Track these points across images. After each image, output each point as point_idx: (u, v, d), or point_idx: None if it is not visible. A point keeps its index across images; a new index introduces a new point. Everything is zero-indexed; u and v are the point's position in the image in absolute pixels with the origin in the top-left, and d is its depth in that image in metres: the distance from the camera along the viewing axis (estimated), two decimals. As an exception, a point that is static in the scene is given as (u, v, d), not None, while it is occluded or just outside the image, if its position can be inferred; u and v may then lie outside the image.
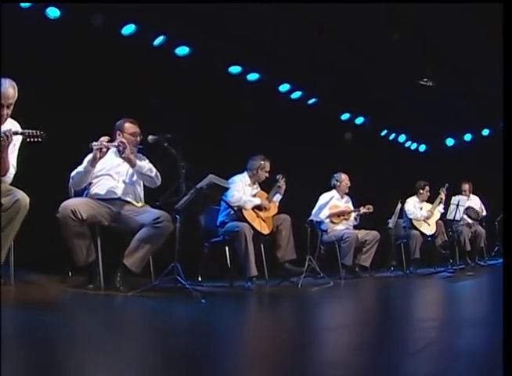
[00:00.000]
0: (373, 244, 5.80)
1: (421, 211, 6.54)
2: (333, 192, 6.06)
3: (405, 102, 7.98)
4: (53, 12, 4.68)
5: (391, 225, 5.86)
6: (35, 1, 4.55)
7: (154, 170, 3.87)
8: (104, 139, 3.62)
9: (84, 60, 4.77)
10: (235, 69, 6.37)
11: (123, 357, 1.75)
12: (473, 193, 7.17)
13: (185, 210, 3.53)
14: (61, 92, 4.65)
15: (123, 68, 5.03)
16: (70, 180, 3.76)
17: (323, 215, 5.79)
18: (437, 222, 6.50)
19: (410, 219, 6.47)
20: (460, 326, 2.52)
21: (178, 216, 3.52)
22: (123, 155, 3.72)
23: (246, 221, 4.61)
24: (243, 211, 4.68)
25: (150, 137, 3.72)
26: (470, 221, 6.90)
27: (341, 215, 5.90)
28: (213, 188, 3.53)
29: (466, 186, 7.11)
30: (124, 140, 3.73)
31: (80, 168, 3.69)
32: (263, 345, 2.18)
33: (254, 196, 4.92)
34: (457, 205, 6.20)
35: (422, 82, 6.40)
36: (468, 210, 6.76)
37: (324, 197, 5.90)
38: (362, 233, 5.86)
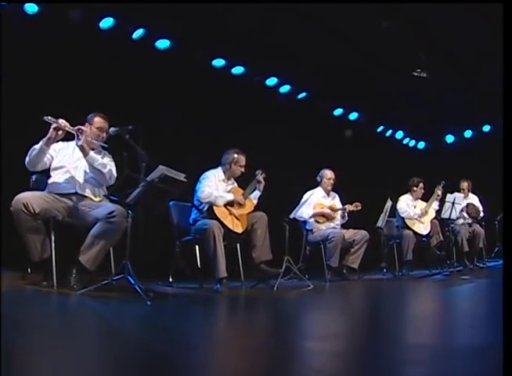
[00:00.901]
0: (362, 244, 5.45)
1: (414, 210, 6.18)
2: (318, 189, 5.73)
3: (402, 97, 7.63)
4: (31, 8, 4.63)
5: (380, 224, 5.50)
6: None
7: (109, 168, 3.74)
8: (63, 120, 3.51)
9: (63, 55, 4.68)
10: (218, 62, 6.15)
11: (59, 357, 1.67)
12: (472, 192, 6.79)
13: (137, 204, 3.27)
14: (40, 86, 4.51)
15: (102, 62, 4.91)
16: (27, 157, 3.62)
17: (306, 214, 5.46)
18: (432, 221, 6.12)
19: (403, 218, 6.11)
20: (451, 345, 2.15)
21: (129, 211, 3.33)
22: (78, 143, 3.60)
23: (216, 218, 4.33)
24: (214, 208, 4.40)
25: (112, 129, 3.63)
26: (468, 220, 6.51)
27: (326, 214, 5.55)
28: (166, 181, 3.26)
29: (464, 184, 6.74)
30: (83, 128, 3.63)
31: (35, 146, 3.57)
32: (217, 354, 1.96)
33: (229, 192, 4.62)
34: (453, 203, 5.83)
35: (415, 73, 6.05)
36: (468, 207, 6.39)
37: (308, 195, 5.58)
38: (350, 233, 5.52)
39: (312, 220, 5.54)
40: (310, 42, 5.98)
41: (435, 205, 6.19)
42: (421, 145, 9.14)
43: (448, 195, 5.87)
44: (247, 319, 3.10)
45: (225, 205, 4.47)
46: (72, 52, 4.70)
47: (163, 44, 5.47)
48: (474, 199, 6.73)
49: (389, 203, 5.56)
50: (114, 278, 3.21)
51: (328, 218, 5.54)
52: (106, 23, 4.94)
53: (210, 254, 4.17)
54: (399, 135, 8.74)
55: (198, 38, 5.61)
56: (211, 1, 5.00)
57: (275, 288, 4.28)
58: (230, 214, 4.45)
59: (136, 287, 3.13)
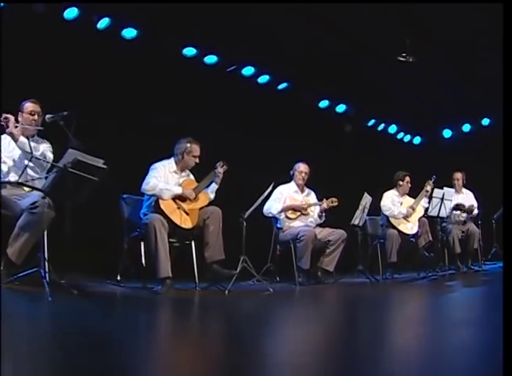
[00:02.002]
0: (338, 244, 4.91)
1: (400, 207, 5.61)
2: (291, 184, 5.22)
3: (394, 88, 7.09)
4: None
5: (356, 221, 4.94)
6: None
7: (45, 154, 3.54)
8: None
9: (28, 47, 4.48)
10: (189, 51, 5.77)
11: None
12: (465, 188, 6.22)
13: (53, 193, 2.85)
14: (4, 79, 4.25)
15: (67, 53, 4.74)
16: None
17: (275, 209, 4.96)
18: (420, 219, 5.55)
19: (387, 216, 5.57)
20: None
21: (46, 200, 3.06)
22: (7, 130, 3.43)
23: (162, 212, 3.94)
24: (160, 202, 4.00)
25: (47, 116, 3.48)
26: (461, 217, 5.93)
27: (298, 209, 5.04)
28: (80, 166, 2.84)
29: (458, 175, 6.14)
30: (8, 116, 3.43)
31: None
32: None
33: (180, 185, 4.18)
34: (442, 199, 5.26)
35: (401, 58, 5.52)
36: (461, 201, 5.84)
37: (279, 190, 5.08)
38: (325, 232, 4.99)
39: (283, 217, 5.04)
40: (290, 28, 5.52)
41: (424, 202, 5.62)
42: (417, 140, 8.57)
43: (437, 190, 5.29)
44: (170, 326, 2.60)
45: (174, 199, 4.07)
46: (37, 43, 4.51)
47: (129, 33, 5.18)
48: (467, 195, 6.16)
49: (367, 198, 5.01)
50: (25, 272, 3.05)
51: (301, 213, 5.02)
52: (71, 13, 4.75)
53: (151, 251, 3.82)
54: (392, 129, 8.19)
55: (167, 26, 5.27)
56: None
57: (226, 292, 3.83)
58: (178, 208, 4.05)
59: (45, 282, 2.91)
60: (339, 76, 6.54)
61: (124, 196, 4.27)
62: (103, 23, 4.94)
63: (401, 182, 5.74)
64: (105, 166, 3.04)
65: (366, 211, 5.06)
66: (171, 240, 3.98)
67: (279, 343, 2.14)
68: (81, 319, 2.48)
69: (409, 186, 5.78)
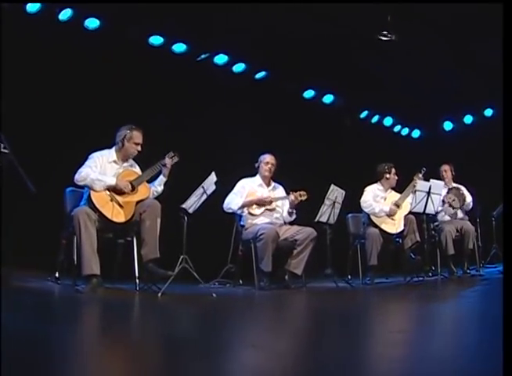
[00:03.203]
0: (306, 244, 4.35)
1: (382, 204, 5.00)
2: (256, 178, 4.69)
3: (389, 77, 6.48)
4: None
5: (323, 218, 4.37)
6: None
7: None
8: None
9: None
10: (156, 39, 5.42)
11: None
12: (456, 182, 5.57)
13: None
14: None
15: (30, 46, 4.50)
16: None
17: (235, 204, 4.44)
18: (406, 217, 4.94)
19: (368, 214, 4.98)
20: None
21: None
22: None
23: (92, 205, 3.63)
24: (92, 193, 3.68)
25: None
26: (451, 212, 5.27)
27: (261, 204, 4.49)
28: None
29: (445, 167, 5.50)
30: None
31: None
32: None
33: (119, 175, 3.80)
34: (428, 193, 4.65)
35: (381, 37, 4.94)
36: (450, 193, 5.20)
37: (242, 183, 4.57)
38: (292, 231, 4.43)
39: (246, 213, 4.51)
40: (265, 12, 5.01)
41: (411, 198, 4.99)
42: (416, 133, 7.93)
43: (421, 182, 4.68)
44: (61, 330, 2.10)
45: (108, 190, 3.71)
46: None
47: (92, 23, 4.96)
48: (459, 187, 5.52)
49: (337, 192, 4.42)
50: None
51: (265, 209, 4.48)
52: (33, 7, 4.60)
53: (77, 246, 3.53)
54: (388, 121, 7.57)
55: (131, 14, 4.91)
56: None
57: (159, 295, 3.41)
58: (112, 200, 3.70)
59: None
60: (324, 63, 6.00)
61: (68, 189, 4.02)
62: (65, 14, 4.76)
63: (387, 175, 5.13)
64: (6, 150, 2.81)
65: (339, 206, 4.48)
66: (107, 235, 3.72)
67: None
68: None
69: (396, 178, 5.18)
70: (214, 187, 3.89)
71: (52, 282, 3.74)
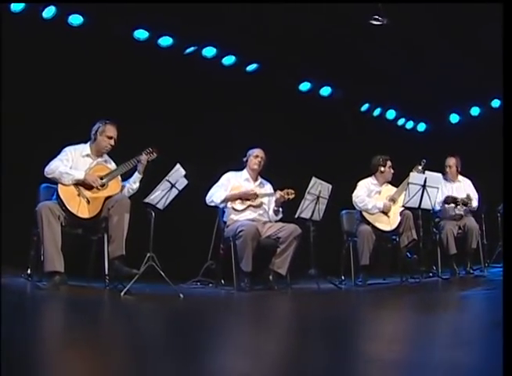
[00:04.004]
0: (290, 242, 4.06)
1: (376, 200, 4.67)
2: (243, 172, 4.43)
3: (390, 67, 6.15)
4: None
5: (306, 214, 4.07)
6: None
7: None
8: None
9: None
10: (141, 34, 5.24)
11: None
12: (462, 174, 5.22)
13: None
14: None
15: (15, 45, 4.39)
16: None
17: (218, 197, 4.19)
18: (402, 213, 4.61)
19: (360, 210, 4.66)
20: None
21: None
22: None
23: (59, 199, 3.52)
24: (59, 187, 3.57)
25: None
26: (456, 210, 4.93)
27: (245, 198, 4.23)
28: None
29: (451, 161, 5.14)
30: None
31: None
32: None
33: (91, 170, 3.66)
34: (423, 186, 4.32)
35: (372, 21, 4.63)
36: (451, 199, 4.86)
37: (227, 176, 4.33)
38: (275, 228, 4.15)
39: (229, 208, 4.25)
40: (254, 2, 4.75)
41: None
42: (421, 127, 7.56)
43: (414, 175, 4.35)
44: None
45: (77, 185, 3.58)
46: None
47: (76, 19, 4.86)
48: (464, 182, 5.16)
49: (321, 185, 4.12)
50: None
51: (249, 204, 4.22)
52: (17, 6, 4.56)
53: (40, 242, 3.41)
54: (391, 114, 7.22)
55: (115, 8, 4.75)
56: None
57: (122, 294, 3.24)
58: (79, 195, 3.58)
59: None
60: (320, 53, 5.71)
61: (43, 186, 3.91)
62: (49, 12, 4.69)
63: (382, 168, 4.79)
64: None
65: (324, 201, 4.18)
66: (75, 231, 3.60)
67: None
68: None
69: (392, 172, 4.85)
70: (185, 181, 3.66)
71: (24, 279, 3.66)
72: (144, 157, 3.74)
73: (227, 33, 5.38)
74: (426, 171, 4.42)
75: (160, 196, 3.49)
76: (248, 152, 4.48)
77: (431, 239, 4.95)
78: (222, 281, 4.21)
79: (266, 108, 5.88)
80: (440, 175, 4.56)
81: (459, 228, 4.90)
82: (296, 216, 4.06)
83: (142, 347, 1.79)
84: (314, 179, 4.08)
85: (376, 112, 7.09)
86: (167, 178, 3.52)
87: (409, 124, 7.48)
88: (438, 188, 4.47)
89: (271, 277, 4.10)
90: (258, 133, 5.48)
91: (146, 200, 3.47)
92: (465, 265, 4.89)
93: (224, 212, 4.32)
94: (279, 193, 4.19)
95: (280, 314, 3.20)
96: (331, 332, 2.21)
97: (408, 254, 4.58)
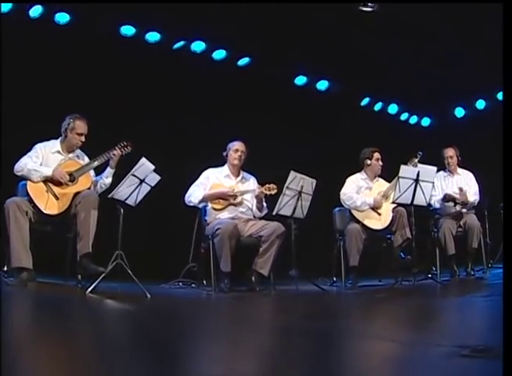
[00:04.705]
0: (272, 241, 3.85)
1: (366, 196, 4.42)
2: (223, 168, 4.24)
3: (391, 59, 5.90)
4: None
5: (286, 211, 3.85)
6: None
7: None
8: None
9: None
10: (128, 30, 5.15)
11: None
12: (463, 167, 4.92)
13: None
14: None
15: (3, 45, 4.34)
16: None
17: (196, 197, 4.01)
18: (395, 209, 4.36)
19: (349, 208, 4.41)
20: None
21: None
22: None
23: (28, 196, 3.49)
24: (28, 184, 3.53)
25: None
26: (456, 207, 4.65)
27: (224, 198, 4.04)
28: None
29: (450, 152, 4.83)
30: None
31: None
32: None
33: (59, 166, 3.56)
34: (416, 180, 4.06)
35: (362, 8, 4.40)
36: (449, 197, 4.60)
37: (206, 174, 4.14)
38: (257, 226, 3.95)
39: (210, 207, 4.07)
40: None
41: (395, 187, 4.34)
42: (426, 121, 7.26)
43: (405, 168, 4.07)
44: None
45: (46, 181, 3.52)
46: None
47: (63, 18, 4.83)
48: (465, 176, 4.85)
49: (302, 180, 3.88)
50: None
51: (229, 202, 4.03)
52: (5, 7, 4.55)
53: (6, 239, 3.34)
54: (393, 109, 6.96)
55: (101, 5, 4.65)
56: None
57: (87, 292, 3.15)
58: (48, 191, 3.54)
59: None
60: (316, 45, 5.49)
61: (21, 183, 3.79)
62: (36, 11, 4.67)
63: (368, 161, 4.52)
64: None
65: (308, 197, 3.95)
66: (44, 228, 3.51)
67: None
68: None
69: (381, 164, 4.59)
70: (157, 177, 3.49)
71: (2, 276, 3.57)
72: (117, 152, 3.62)
73: (216, 27, 5.21)
74: (419, 164, 4.15)
75: (129, 192, 3.35)
76: (228, 145, 4.26)
77: (430, 238, 4.69)
78: (204, 282, 4.03)
79: (260, 103, 5.69)
80: (434, 168, 4.25)
81: (459, 226, 4.62)
82: (274, 213, 3.85)
83: (103, 346, 1.71)
84: (293, 173, 3.84)
85: (378, 107, 6.83)
86: (132, 172, 3.35)
87: (413, 119, 7.20)
88: (432, 182, 4.19)
89: (253, 278, 3.90)
90: (251, 129, 5.29)
91: (114, 196, 3.33)
92: (466, 266, 4.60)
93: (205, 211, 4.13)
94: (257, 190, 3.98)
95: (256, 317, 2.98)
96: (310, 338, 1.99)
97: (401, 254, 4.32)
